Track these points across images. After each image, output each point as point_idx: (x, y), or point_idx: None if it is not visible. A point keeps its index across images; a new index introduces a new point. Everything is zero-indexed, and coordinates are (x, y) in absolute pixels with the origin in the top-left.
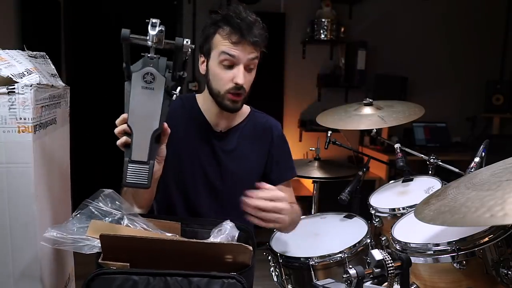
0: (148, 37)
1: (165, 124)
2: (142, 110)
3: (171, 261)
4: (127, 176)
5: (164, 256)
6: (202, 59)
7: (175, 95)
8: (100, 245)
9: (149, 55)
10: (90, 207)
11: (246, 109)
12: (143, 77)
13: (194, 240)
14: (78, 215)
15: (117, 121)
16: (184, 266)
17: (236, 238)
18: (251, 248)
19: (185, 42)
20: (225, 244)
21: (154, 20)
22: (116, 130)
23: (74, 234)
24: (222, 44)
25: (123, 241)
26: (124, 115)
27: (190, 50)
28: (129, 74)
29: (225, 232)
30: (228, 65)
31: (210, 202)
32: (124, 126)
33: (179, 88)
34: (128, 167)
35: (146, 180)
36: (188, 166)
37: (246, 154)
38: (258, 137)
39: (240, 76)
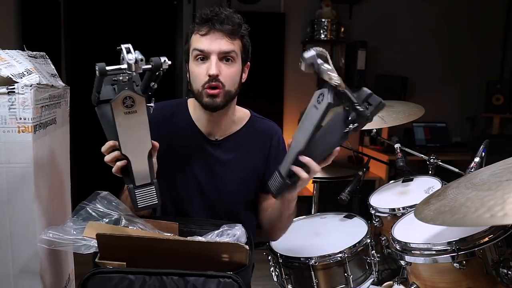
0: (126, 67)
1: (154, 142)
2: (132, 136)
3: (168, 260)
4: (137, 202)
5: (161, 255)
6: (187, 67)
7: (152, 108)
8: (97, 245)
9: (121, 78)
10: (87, 209)
11: (244, 115)
12: (123, 102)
13: (191, 239)
14: (75, 217)
15: (104, 149)
16: (181, 265)
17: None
18: (247, 247)
19: (162, 60)
20: (222, 243)
21: (126, 46)
22: (108, 159)
23: (71, 235)
24: (194, 40)
25: (120, 240)
26: (110, 143)
27: (167, 66)
28: (99, 102)
29: (233, 236)
30: (202, 60)
31: (205, 214)
32: (116, 153)
33: (153, 99)
34: (136, 193)
35: (156, 199)
36: (181, 179)
37: (242, 164)
38: (257, 144)
39: (212, 67)
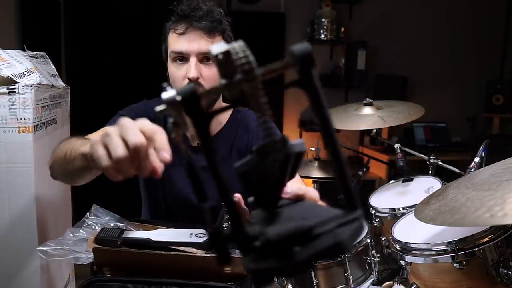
0: None
1: None
2: None
3: (168, 275)
4: None
5: (160, 269)
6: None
7: None
8: None
9: None
10: (85, 219)
11: (226, 113)
12: None
13: (192, 253)
14: (73, 227)
15: None
16: (181, 278)
17: None
18: None
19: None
20: None
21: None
22: None
23: (70, 246)
24: (171, 40)
25: (117, 254)
26: None
27: None
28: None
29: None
30: (180, 61)
31: (191, 222)
32: None
33: None
34: None
35: None
36: (168, 186)
37: (226, 167)
38: (239, 138)
39: (191, 70)
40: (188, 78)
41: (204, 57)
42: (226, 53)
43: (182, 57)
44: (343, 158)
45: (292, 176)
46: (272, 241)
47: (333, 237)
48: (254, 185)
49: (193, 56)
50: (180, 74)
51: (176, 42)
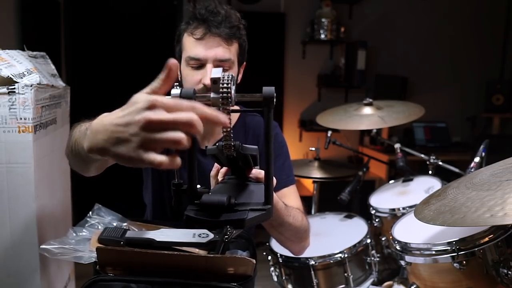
0: None
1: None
2: None
3: (170, 275)
4: None
5: (163, 269)
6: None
7: None
8: None
9: None
10: (87, 219)
11: (234, 114)
12: None
13: (195, 253)
14: (76, 226)
15: None
16: (184, 278)
17: None
18: (253, 260)
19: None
20: (228, 257)
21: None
22: None
23: (73, 245)
24: (187, 43)
25: (120, 254)
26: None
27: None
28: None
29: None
30: (196, 66)
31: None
32: None
33: None
34: None
35: None
36: (168, 188)
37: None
38: (249, 141)
39: (207, 76)
40: (204, 84)
41: (219, 64)
42: (218, 79)
43: (197, 63)
44: (272, 170)
45: (255, 164)
46: (203, 203)
47: (243, 215)
48: (223, 164)
49: (209, 62)
50: (195, 79)
51: (194, 47)
